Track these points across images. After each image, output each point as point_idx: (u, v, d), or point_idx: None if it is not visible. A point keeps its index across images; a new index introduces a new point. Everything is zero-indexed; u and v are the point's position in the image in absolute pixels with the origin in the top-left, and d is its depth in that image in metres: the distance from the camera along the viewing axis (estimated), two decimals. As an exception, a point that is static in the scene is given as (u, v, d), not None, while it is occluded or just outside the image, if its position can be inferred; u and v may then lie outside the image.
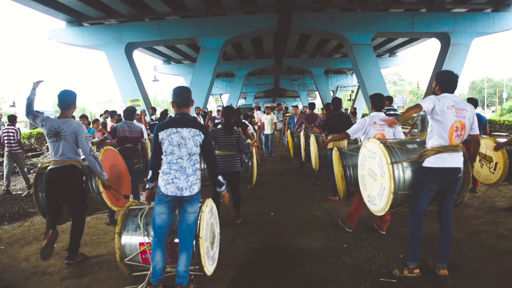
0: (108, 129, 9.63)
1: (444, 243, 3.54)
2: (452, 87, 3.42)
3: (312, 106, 10.35)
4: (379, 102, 4.82)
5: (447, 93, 3.38)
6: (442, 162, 3.30)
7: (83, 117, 10.75)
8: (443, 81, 3.45)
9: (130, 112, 6.07)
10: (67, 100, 4.05)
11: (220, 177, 3.46)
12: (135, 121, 6.15)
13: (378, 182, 3.71)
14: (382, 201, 3.62)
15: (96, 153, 4.24)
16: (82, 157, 4.30)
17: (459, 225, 4.91)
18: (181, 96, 3.36)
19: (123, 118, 6.36)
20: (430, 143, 3.38)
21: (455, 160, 3.34)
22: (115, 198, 4.54)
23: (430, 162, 3.34)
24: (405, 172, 3.50)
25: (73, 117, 4.26)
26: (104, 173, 4.16)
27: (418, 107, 3.33)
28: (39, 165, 4.76)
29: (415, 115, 8.81)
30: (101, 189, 4.24)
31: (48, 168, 4.01)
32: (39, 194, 4.32)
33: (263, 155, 12.16)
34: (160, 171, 3.31)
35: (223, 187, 3.51)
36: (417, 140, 3.93)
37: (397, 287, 3.34)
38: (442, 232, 3.57)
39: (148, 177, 3.41)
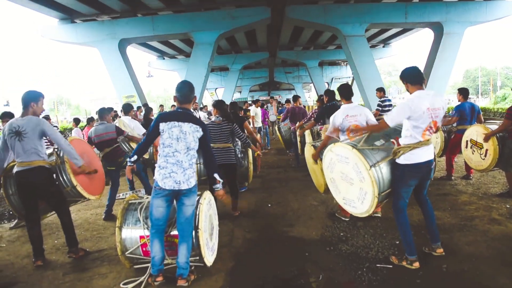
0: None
1: (430, 223, 3.67)
2: (420, 80, 3.40)
3: (295, 98, 9.60)
4: (346, 91, 4.82)
5: (420, 91, 3.36)
6: (417, 157, 3.36)
7: (76, 120, 10.83)
8: (410, 77, 3.42)
9: (102, 112, 5.90)
10: (26, 99, 3.94)
11: (216, 175, 3.51)
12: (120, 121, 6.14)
13: (356, 186, 3.62)
14: (365, 205, 3.56)
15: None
16: (48, 151, 4.29)
17: (454, 211, 5.01)
18: (182, 92, 3.40)
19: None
20: (403, 141, 3.42)
21: (428, 153, 3.43)
22: (91, 187, 4.54)
23: (407, 159, 3.38)
24: (382, 172, 3.50)
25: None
26: (80, 159, 4.14)
27: (383, 125, 3.39)
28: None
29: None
30: (75, 182, 4.19)
31: (15, 170, 3.91)
32: (11, 197, 4.27)
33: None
34: (156, 165, 3.36)
35: (219, 185, 3.56)
36: (379, 133, 3.83)
37: (393, 272, 3.41)
38: (425, 212, 3.71)
39: (132, 159, 3.46)
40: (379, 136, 3.77)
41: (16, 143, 3.84)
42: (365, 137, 3.75)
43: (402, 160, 3.40)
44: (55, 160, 4.24)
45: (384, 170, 3.50)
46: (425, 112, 3.27)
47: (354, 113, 4.63)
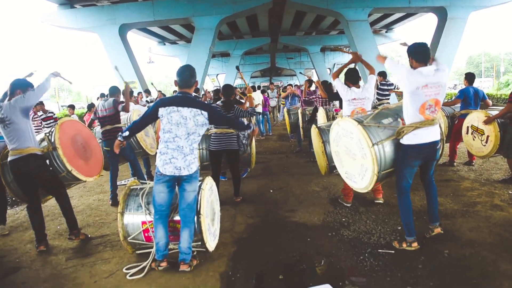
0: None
1: (431, 204, 3.68)
2: (425, 58, 3.34)
3: (311, 82, 9.43)
4: (353, 76, 4.79)
5: (422, 68, 3.31)
6: (420, 138, 3.33)
7: (70, 106, 10.79)
8: (416, 53, 3.37)
9: (112, 89, 5.79)
10: (13, 85, 3.89)
11: (245, 122, 3.69)
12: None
13: (358, 162, 3.68)
14: (365, 181, 3.63)
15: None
16: (39, 137, 4.26)
17: (456, 196, 5.00)
18: (183, 76, 3.34)
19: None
20: (407, 120, 3.39)
21: (432, 134, 3.38)
22: (87, 169, 4.53)
23: (409, 139, 3.36)
24: (385, 151, 3.51)
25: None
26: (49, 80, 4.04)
27: (380, 59, 3.64)
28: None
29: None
30: (70, 167, 4.18)
31: (9, 159, 3.89)
32: (11, 184, 4.29)
33: (258, 135, 12.16)
34: (157, 151, 3.35)
35: (252, 127, 3.80)
36: (390, 111, 3.84)
37: (395, 258, 3.42)
38: (428, 195, 3.70)
39: (124, 134, 3.37)
40: (388, 114, 3.77)
41: (3, 131, 3.80)
42: (374, 114, 3.77)
43: (404, 140, 3.39)
44: (46, 146, 4.19)
45: (387, 148, 3.52)
46: (419, 88, 3.23)
47: (362, 96, 4.62)
